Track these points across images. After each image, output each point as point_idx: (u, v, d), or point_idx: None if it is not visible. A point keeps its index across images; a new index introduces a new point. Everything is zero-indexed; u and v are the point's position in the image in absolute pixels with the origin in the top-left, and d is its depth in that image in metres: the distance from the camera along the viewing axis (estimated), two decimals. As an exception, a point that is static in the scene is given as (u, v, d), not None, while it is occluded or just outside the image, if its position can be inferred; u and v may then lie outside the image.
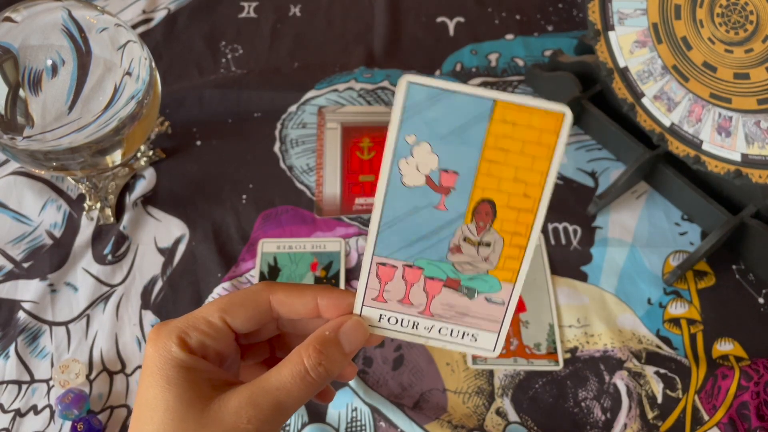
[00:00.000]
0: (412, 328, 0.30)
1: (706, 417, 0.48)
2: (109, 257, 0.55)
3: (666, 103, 0.54)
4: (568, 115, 0.25)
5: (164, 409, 0.26)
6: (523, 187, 0.27)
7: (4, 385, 0.49)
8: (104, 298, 0.53)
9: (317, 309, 0.30)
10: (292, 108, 0.65)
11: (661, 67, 0.53)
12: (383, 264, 0.29)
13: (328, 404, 0.48)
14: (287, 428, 0.47)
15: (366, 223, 0.58)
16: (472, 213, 0.27)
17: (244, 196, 0.59)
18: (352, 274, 0.55)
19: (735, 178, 0.50)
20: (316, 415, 0.48)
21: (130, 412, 0.48)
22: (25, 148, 0.46)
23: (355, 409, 0.48)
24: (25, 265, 0.54)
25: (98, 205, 0.57)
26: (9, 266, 0.54)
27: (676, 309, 0.53)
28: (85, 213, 0.57)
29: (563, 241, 0.57)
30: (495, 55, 0.71)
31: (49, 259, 0.55)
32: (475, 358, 0.50)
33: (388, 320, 0.30)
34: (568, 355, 0.51)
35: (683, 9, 0.51)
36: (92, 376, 0.49)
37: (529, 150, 0.26)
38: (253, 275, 0.54)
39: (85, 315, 0.52)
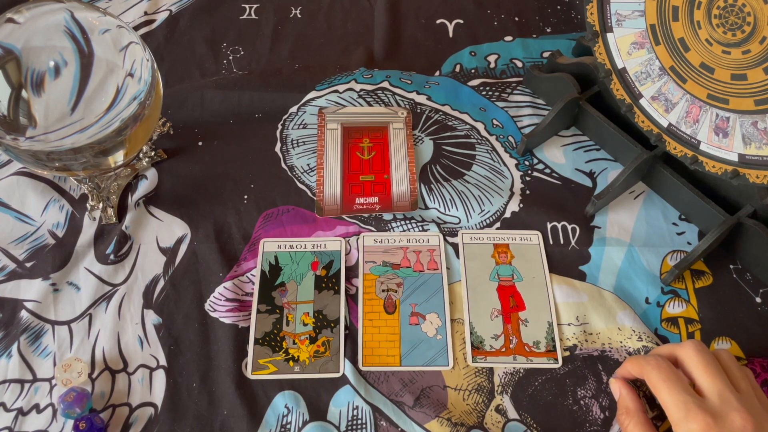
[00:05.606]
0: None
1: (703, 415, 0.48)
2: (112, 257, 0.55)
3: (663, 104, 0.54)
4: None
5: None
6: None
7: (7, 384, 0.49)
8: (106, 297, 0.53)
9: None
10: (293, 109, 0.66)
11: (658, 69, 0.54)
12: None
13: (329, 402, 0.49)
14: (289, 427, 0.48)
15: (365, 221, 0.58)
16: None
17: (246, 196, 0.59)
18: (352, 272, 0.55)
19: (732, 178, 0.50)
20: (318, 413, 0.48)
21: (131, 410, 0.48)
22: (27, 148, 0.46)
23: (356, 407, 0.49)
24: (28, 264, 0.55)
25: (101, 205, 0.57)
26: (12, 266, 0.55)
27: (674, 308, 0.54)
28: (87, 213, 0.58)
29: (562, 241, 0.57)
30: (494, 56, 0.71)
31: (52, 258, 0.55)
32: (474, 356, 0.51)
33: None
34: (567, 353, 0.51)
35: (681, 10, 0.51)
36: (94, 375, 0.50)
37: None
38: (255, 275, 0.55)
39: (88, 314, 0.53)
